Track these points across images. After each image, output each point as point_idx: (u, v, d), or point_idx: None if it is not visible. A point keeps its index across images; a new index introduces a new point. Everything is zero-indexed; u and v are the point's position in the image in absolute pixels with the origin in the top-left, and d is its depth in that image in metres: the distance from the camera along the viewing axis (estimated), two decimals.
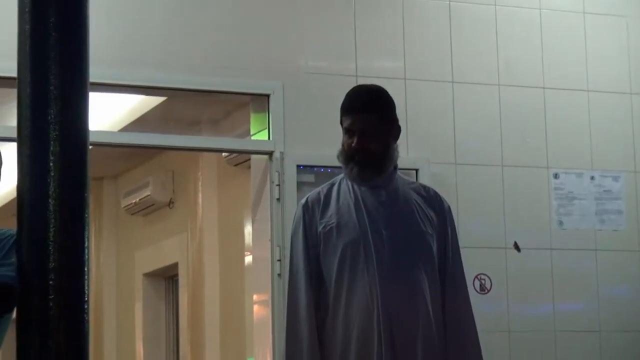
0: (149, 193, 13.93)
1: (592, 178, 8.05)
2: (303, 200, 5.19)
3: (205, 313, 13.60)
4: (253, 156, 8.12)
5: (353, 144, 4.97)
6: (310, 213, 5.06)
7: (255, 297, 8.20)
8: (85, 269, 4.21)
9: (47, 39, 4.59)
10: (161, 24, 7.23)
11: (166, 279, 14.70)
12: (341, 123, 5.05)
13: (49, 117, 4.53)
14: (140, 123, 9.67)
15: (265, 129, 7.69)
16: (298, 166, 7.46)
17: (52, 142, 4.40)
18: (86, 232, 4.42)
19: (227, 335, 13.06)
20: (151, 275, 14.70)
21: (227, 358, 13.06)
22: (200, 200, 13.69)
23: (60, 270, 4.22)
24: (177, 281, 14.36)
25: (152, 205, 14.12)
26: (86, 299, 4.08)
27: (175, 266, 14.24)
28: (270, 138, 7.66)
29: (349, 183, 5.04)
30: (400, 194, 5.07)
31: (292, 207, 6.89)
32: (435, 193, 5.16)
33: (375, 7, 7.81)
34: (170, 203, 14.18)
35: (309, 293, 4.96)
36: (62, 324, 4.17)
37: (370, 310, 4.87)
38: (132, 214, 14.47)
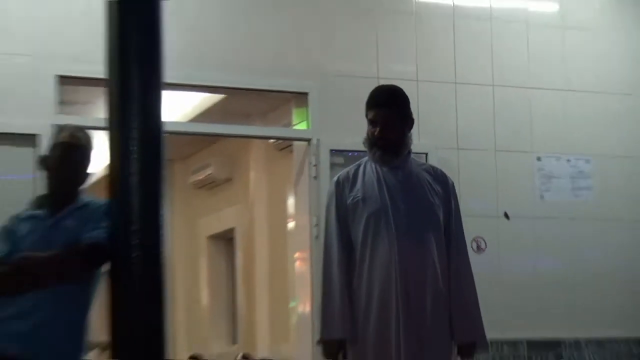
0: (211, 172, 13.98)
1: (568, 161, 8.03)
2: (335, 178, 5.23)
3: (256, 268, 13.62)
4: (295, 142, 8.13)
5: (375, 133, 4.99)
6: (341, 188, 5.09)
7: (296, 254, 8.20)
8: (162, 233, 4.24)
9: (130, 47, 4.61)
10: (220, 36, 7.24)
11: (225, 240, 14.72)
12: (366, 115, 5.06)
13: (132, 111, 4.56)
14: (204, 115, 9.69)
15: (305, 120, 7.72)
16: (331, 150, 7.46)
17: (134, 131, 4.43)
18: (162, 203, 4.45)
19: (274, 284, 13.06)
20: (213, 238, 14.75)
21: (275, 302, 13.05)
22: (252, 178, 13.70)
23: (142, 233, 4.26)
24: (233, 242, 14.39)
25: (214, 181, 14.18)
26: (162, 256, 4.11)
27: (232, 230, 14.30)
28: (309, 128, 7.69)
29: (372, 164, 5.06)
30: (413, 173, 5.08)
31: (326, 184, 6.90)
32: (442, 172, 5.18)
33: (392, 23, 7.82)
34: (228, 180, 14.21)
35: (340, 252, 5.00)
36: (144, 275, 4.20)
37: (389, 266, 4.89)
38: (198, 189, 14.52)
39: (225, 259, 14.84)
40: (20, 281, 4.49)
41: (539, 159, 8.02)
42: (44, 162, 4.77)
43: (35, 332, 4.46)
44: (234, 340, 14.33)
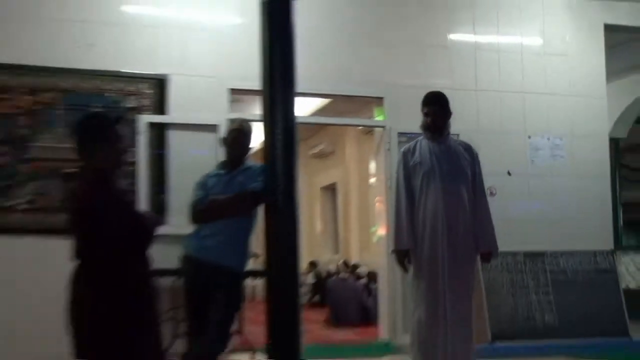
0: (322, 147, 14.15)
1: (548, 139, 7.94)
2: (402, 149, 5.22)
3: (350, 207, 13.69)
4: (375, 128, 8.07)
5: (428, 121, 5.00)
6: (405, 156, 5.07)
7: (376, 198, 8.18)
8: (295, 185, 4.29)
9: (275, 69, 4.65)
10: (328, 59, 7.20)
11: (330, 190, 14.83)
12: (422, 110, 5.04)
13: (276, 109, 4.61)
14: (319, 112, 9.70)
15: (382, 115, 7.68)
16: (398, 133, 7.40)
17: (278, 122, 4.48)
18: (295, 166, 4.51)
19: (361, 217, 13.12)
20: (323, 188, 14.92)
21: (362, 228, 13.12)
22: (347, 151, 13.76)
23: (283, 184, 4.32)
24: (335, 191, 14.44)
25: (324, 153, 14.31)
26: (295, 198, 4.16)
27: (334, 184, 14.49)
28: (384, 119, 7.66)
29: (425, 141, 5.03)
30: (451, 146, 5.04)
31: (395, 154, 6.88)
32: (470, 145, 5.13)
33: (434, 52, 7.74)
34: (332, 152, 14.28)
35: (405, 196, 4.99)
36: (285, 210, 4.26)
37: (437, 205, 4.88)
38: (314, 158, 14.64)
39: (331, 201, 14.99)
40: (210, 214, 4.63)
41: (529, 137, 7.93)
42: (224, 141, 4.88)
43: (220, 246, 4.55)
44: (336, 251, 14.44)
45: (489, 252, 5.02)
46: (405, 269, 5.00)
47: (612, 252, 7.92)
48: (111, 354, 3.21)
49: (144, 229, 3.40)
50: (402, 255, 4.95)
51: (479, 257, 5.07)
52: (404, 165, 5.05)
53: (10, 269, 6.23)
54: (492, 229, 5.01)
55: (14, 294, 6.13)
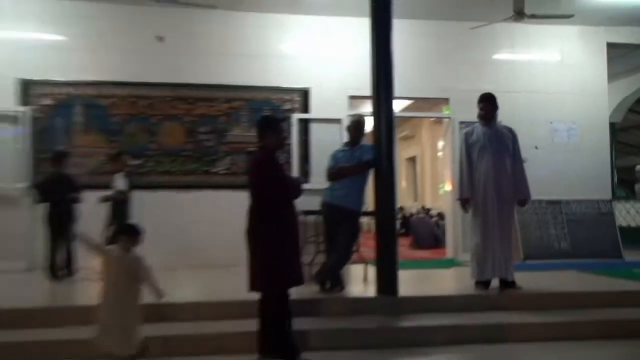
0: (407, 132, 13.70)
1: (565, 124, 7.43)
2: (464, 131, 5.01)
3: (425, 172, 13.36)
4: (444, 119, 7.70)
5: (482, 113, 4.78)
6: (466, 136, 4.87)
7: (444, 168, 7.94)
8: (393, 158, 4.19)
9: (380, 79, 4.52)
10: (412, 70, 6.89)
11: (412, 160, 14.45)
12: (477, 105, 4.83)
13: (381, 108, 4.49)
14: (406, 109, 9.42)
15: (448, 110, 7.39)
16: (459, 122, 7.10)
17: (382, 115, 4.37)
18: (393, 145, 4.40)
19: (433, 178, 12.82)
20: (407, 159, 14.53)
21: (433, 185, 12.83)
22: (423, 134, 13.37)
23: (385, 155, 4.22)
24: (415, 161, 14.12)
25: (407, 136, 13.88)
26: (394, 166, 4.06)
27: (414, 157, 14.03)
28: (450, 112, 7.36)
29: (480, 126, 4.82)
30: (498, 129, 4.81)
31: (457, 136, 6.66)
32: (511, 128, 4.88)
33: (484, 67, 7.36)
34: (412, 136, 13.90)
35: (466, 164, 4.81)
36: (387, 172, 4.16)
37: (488, 170, 4.70)
38: (402, 140, 14.09)
39: (412, 168, 14.61)
40: (339, 176, 4.60)
41: (551, 122, 7.42)
42: (347, 129, 4.80)
43: (345, 195, 4.53)
44: (415, 200, 14.15)
45: (524, 199, 4.78)
46: (465, 211, 4.85)
47: (609, 201, 7.37)
48: (271, 263, 3.31)
49: (293, 185, 3.49)
50: (464, 201, 4.80)
51: (516, 203, 4.83)
52: (465, 143, 4.85)
53: (215, 211, 6.47)
54: (526, 183, 4.76)
55: (215, 227, 6.32)
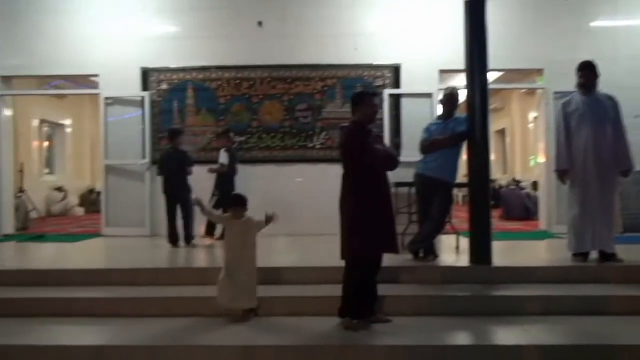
0: (496, 104, 13.03)
1: None
2: (561, 102, 4.63)
3: (515, 143, 12.70)
4: (537, 90, 7.19)
5: (582, 81, 4.41)
6: (564, 106, 4.52)
7: (538, 140, 7.46)
8: (487, 129, 3.98)
9: (473, 51, 4.29)
10: (505, 42, 6.43)
11: (501, 133, 13.76)
12: (576, 74, 4.47)
13: (475, 79, 4.27)
14: (495, 81, 8.85)
15: (543, 80, 6.88)
16: (554, 92, 6.59)
17: (476, 86, 4.16)
18: (487, 118, 4.18)
19: (523, 150, 12.18)
20: (496, 132, 13.82)
21: (523, 156, 12.19)
22: (512, 106, 12.67)
23: (479, 124, 4.02)
24: (504, 133, 13.44)
25: (497, 108, 13.19)
26: (487, 138, 3.87)
27: (504, 129, 13.37)
28: (543, 82, 6.85)
29: (579, 95, 4.46)
30: (599, 97, 4.43)
31: (551, 107, 6.21)
32: (612, 96, 4.47)
33: (580, 36, 6.71)
34: (502, 108, 13.19)
35: (564, 134, 4.47)
36: (480, 145, 3.97)
37: (587, 138, 4.36)
38: (492, 112, 13.56)
39: (501, 140, 13.92)
40: (433, 147, 4.46)
41: None
42: (441, 101, 4.64)
43: (439, 167, 4.41)
44: (504, 172, 13.53)
45: (627, 170, 4.38)
46: (563, 182, 4.54)
47: None
48: (348, 232, 3.34)
49: (379, 156, 3.40)
50: (562, 173, 4.48)
51: (618, 173, 4.42)
52: (563, 112, 4.50)
53: (311, 183, 6.60)
54: (629, 153, 4.36)
55: (312, 198, 6.44)
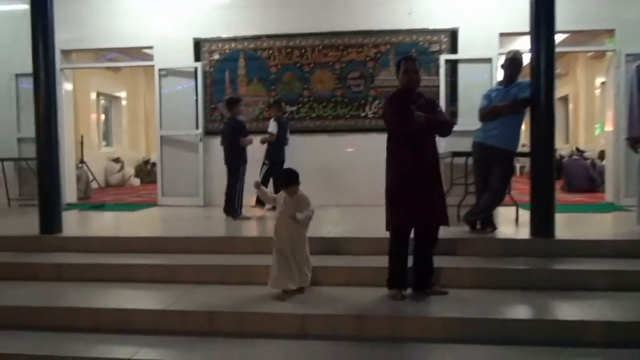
0: (559, 70, 12.23)
1: None
2: (636, 64, 4.35)
3: (579, 110, 12.08)
4: (608, 52, 6.71)
5: None
6: (638, 69, 4.25)
7: (605, 108, 7.05)
8: (552, 94, 3.78)
9: (540, 13, 4.07)
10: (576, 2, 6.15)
11: (564, 100, 13.08)
12: None
13: (540, 42, 4.07)
14: (560, 44, 8.33)
15: (613, 42, 6.45)
16: (625, 54, 6.22)
17: (541, 52, 3.96)
18: (552, 82, 3.98)
19: (588, 118, 11.58)
20: (558, 99, 13.03)
21: (588, 124, 11.61)
22: (577, 72, 12.01)
23: (545, 94, 3.83)
24: (567, 100, 12.80)
25: (560, 75, 12.43)
26: (552, 103, 3.68)
27: (567, 95, 12.73)
28: (615, 44, 6.42)
29: None
30: None
31: (622, 71, 5.84)
32: None
33: None
34: (567, 73, 12.50)
35: (638, 99, 4.20)
36: (544, 112, 3.78)
37: None
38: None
39: (564, 107, 13.25)
40: (492, 114, 4.30)
41: None
42: (503, 66, 4.43)
43: (499, 135, 4.27)
44: (566, 141, 12.95)
45: None
46: (636, 151, 4.30)
47: None
48: (394, 203, 3.30)
49: (404, 123, 3.27)
50: (634, 141, 4.24)
51: None
52: (637, 76, 4.23)
53: (363, 153, 6.54)
54: None
55: (364, 168, 6.40)
